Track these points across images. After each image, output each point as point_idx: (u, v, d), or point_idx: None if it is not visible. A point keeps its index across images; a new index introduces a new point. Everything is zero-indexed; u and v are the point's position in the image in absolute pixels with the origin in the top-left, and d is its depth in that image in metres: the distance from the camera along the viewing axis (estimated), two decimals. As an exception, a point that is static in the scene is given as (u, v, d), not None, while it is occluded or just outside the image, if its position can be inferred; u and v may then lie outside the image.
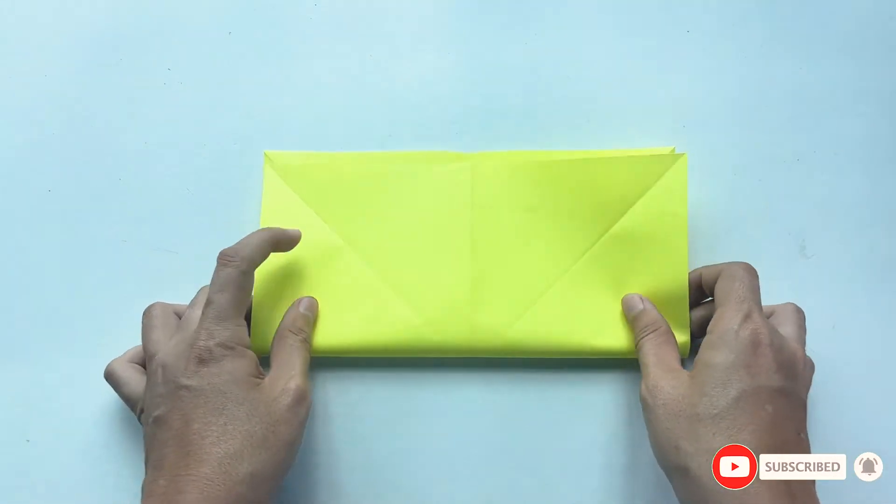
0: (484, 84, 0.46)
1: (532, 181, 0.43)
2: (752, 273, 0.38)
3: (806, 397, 0.37)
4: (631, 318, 0.41)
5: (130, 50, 0.47)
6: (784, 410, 0.34)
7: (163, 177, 0.45)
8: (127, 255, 0.44)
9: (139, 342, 0.42)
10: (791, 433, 0.34)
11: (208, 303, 0.37)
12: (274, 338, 0.40)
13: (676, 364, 0.38)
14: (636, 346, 0.40)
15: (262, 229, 0.41)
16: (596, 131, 0.45)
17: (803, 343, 0.39)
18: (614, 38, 0.46)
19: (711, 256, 0.43)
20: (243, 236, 0.44)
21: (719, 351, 0.36)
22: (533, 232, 0.43)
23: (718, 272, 0.40)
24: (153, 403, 0.36)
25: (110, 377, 0.40)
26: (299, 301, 0.42)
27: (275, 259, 0.42)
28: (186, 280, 0.43)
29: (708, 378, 0.35)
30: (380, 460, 0.41)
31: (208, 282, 0.41)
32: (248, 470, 0.34)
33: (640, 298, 0.41)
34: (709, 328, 0.38)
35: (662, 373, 0.38)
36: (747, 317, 0.36)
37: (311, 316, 0.42)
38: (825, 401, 0.42)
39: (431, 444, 0.42)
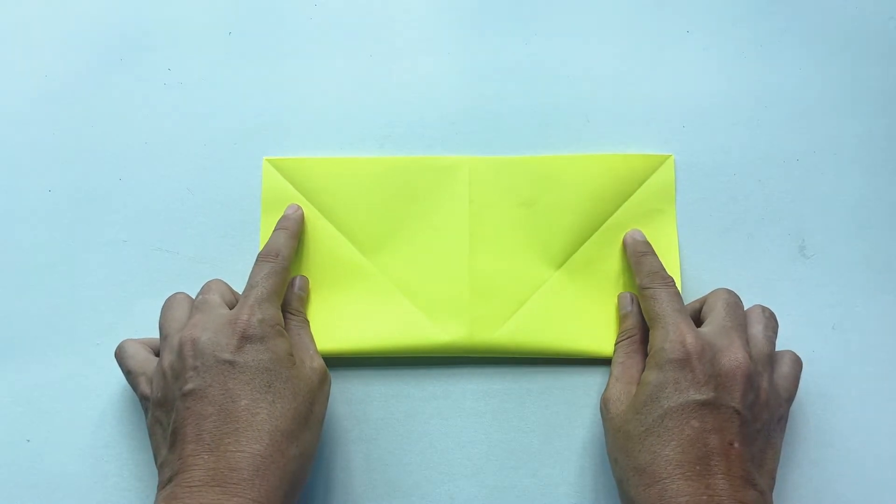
0: (484, 84, 0.46)
1: (528, 177, 0.44)
2: (661, 291, 0.39)
3: (771, 398, 0.37)
4: (619, 317, 0.42)
5: (130, 50, 0.47)
6: (711, 423, 0.34)
7: (163, 177, 0.45)
8: (127, 255, 0.44)
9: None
10: (717, 445, 0.34)
11: (252, 286, 0.38)
12: None
13: (638, 376, 0.39)
14: (614, 347, 0.42)
15: (281, 229, 0.42)
16: (595, 131, 0.45)
17: (769, 341, 0.38)
18: (614, 39, 0.46)
19: (711, 256, 0.43)
20: (243, 236, 0.44)
21: (651, 370, 0.37)
22: (529, 227, 0.43)
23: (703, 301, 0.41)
24: (181, 378, 0.35)
25: (119, 351, 0.40)
26: (292, 281, 0.42)
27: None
28: (186, 280, 0.43)
29: (642, 396, 0.36)
30: (379, 460, 0.41)
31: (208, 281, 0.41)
32: (299, 448, 0.35)
33: (631, 299, 0.42)
34: (648, 347, 0.39)
35: (621, 385, 0.39)
36: (675, 332, 0.37)
37: (304, 295, 0.42)
38: (825, 400, 0.42)
39: (431, 443, 0.42)
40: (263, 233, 0.44)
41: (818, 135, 0.45)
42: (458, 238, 0.43)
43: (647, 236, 0.43)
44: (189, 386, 0.35)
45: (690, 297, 0.43)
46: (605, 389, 0.39)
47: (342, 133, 0.45)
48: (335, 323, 0.42)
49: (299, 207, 0.43)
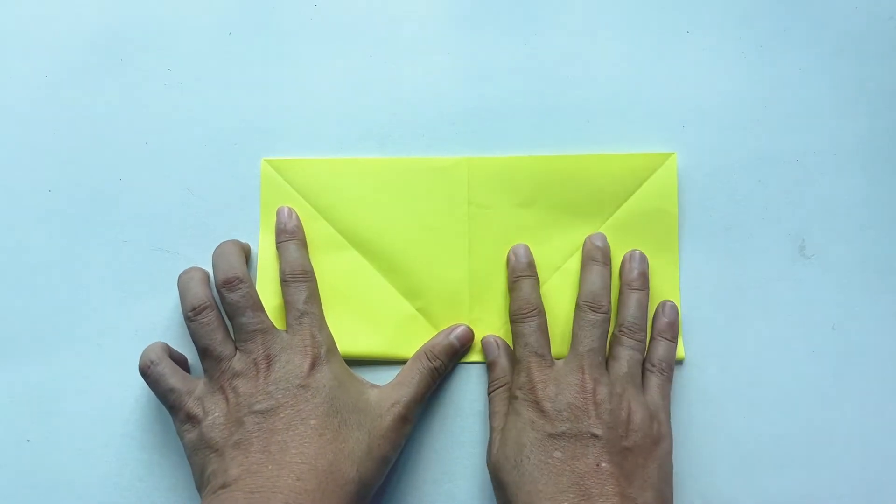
0: (484, 85, 0.46)
1: (527, 177, 0.44)
2: (524, 325, 0.40)
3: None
4: (487, 363, 0.42)
5: (130, 50, 0.47)
6: (572, 451, 0.36)
7: (163, 177, 0.45)
8: (127, 255, 0.44)
9: (139, 342, 0.42)
10: (585, 469, 0.35)
11: (304, 313, 0.40)
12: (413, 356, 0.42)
13: (503, 421, 0.39)
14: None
15: (289, 240, 0.42)
16: (596, 132, 0.45)
17: (629, 361, 0.39)
18: (614, 39, 0.46)
19: (711, 256, 0.43)
20: (243, 236, 0.44)
21: (511, 415, 0.38)
22: (528, 227, 0.43)
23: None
24: (253, 398, 0.36)
25: (150, 367, 0.39)
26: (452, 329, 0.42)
27: (275, 257, 0.43)
28: (186, 280, 0.43)
29: (509, 441, 0.37)
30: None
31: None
32: (359, 474, 0.36)
33: (498, 344, 0.42)
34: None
35: (493, 438, 0.39)
36: (526, 377, 0.39)
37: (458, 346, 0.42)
38: (824, 400, 0.42)
39: (431, 443, 0.42)
40: (263, 233, 0.44)
41: (818, 135, 0.45)
42: (458, 239, 0.43)
43: (648, 236, 0.43)
44: (261, 406, 0.36)
45: (690, 298, 0.43)
46: (488, 447, 0.39)
47: (342, 134, 0.45)
48: (334, 325, 0.42)
49: (292, 210, 0.43)
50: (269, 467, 0.34)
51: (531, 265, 0.42)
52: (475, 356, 0.42)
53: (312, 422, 0.36)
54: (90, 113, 0.46)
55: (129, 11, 0.47)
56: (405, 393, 0.39)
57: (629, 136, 0.45)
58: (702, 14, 0.46)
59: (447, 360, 0.41)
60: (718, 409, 0.42)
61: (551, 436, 0.36)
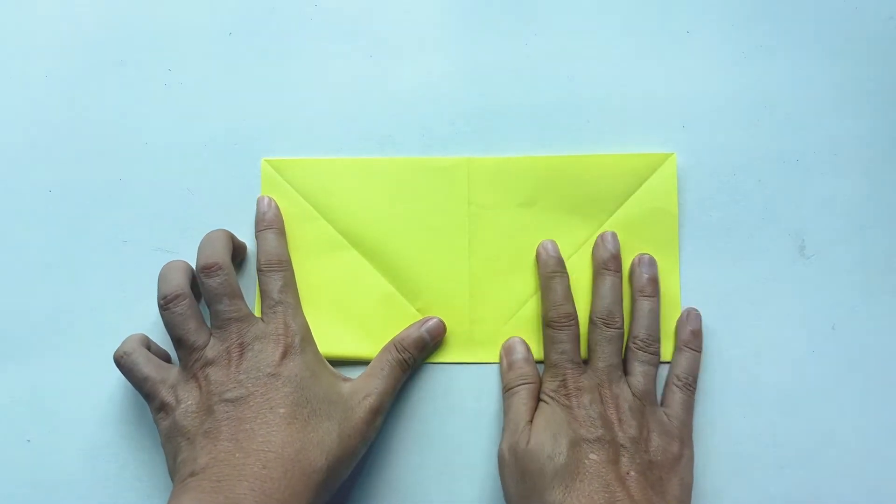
0: (484, 85, 0.46)
1: (527, 177, 0.44)
2: (561, 333, 0.40)
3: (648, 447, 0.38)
4: (508, 362, 0.42)
5: (130, 50, 0.47)
6: (606, 456, 0.37)
7: (163, 177, 0.45)
8: (127, 255, 0.44)
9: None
10: (616, 475, 0.36)
11: (279, 302, 0.40)
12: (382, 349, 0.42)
13: (530, 416, 0.39)
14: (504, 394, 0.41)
15: (266, 229, 0.42)
16: (596, 132, 0.45)
17: (646, 376, 0.40)
18: (614, 39, 0.46)
19: (711, 256, 0.43)
20: (243, 237, 0.44)
21: (542, 411, 0.39)
22: (529, 227, 0.43)
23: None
24: (224, 385, 0.37)
25: (124, 357, 0.39)
26: (425, 321, 0.42)
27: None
28: (186, 280, 0.43)
29: (544, 432, 0.38)
30: (379, 460, 0.41)
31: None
32: (326, 463, 0.36)
33: (527, 348, 0.42)
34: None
35: (522, 427, 0.39)
36: (560, 382, 0.39)
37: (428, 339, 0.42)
38: (825, 400, 0.42)
39: (431, 443, 0.42)
40: (263, 233, 0.44)
41: (818, 135, 0.45)
42: (458, 239, 0.43)
43: (648, 236, 0.43)
44: (232, 394, 0.36)
45: (690, 298, 0.43)
46: (505, 438, 0.39)
47: (342, 134, 0.45)
48: (334, 325, 0.42)
49: (272, 199, 0.43)
50: (237, 455, 0.34)
51: (560, 261, 0.42)
52: (487, 356, 0.42)
53: (281, 410, 0.36)
54: (90, 113, 0.46)
55: (129, 11, 0.47)
56: (376, 385, 0.39)
57: (629, 136, 0.45)
58: (702, 14, 0.46)
59: (416, 352, 0.41)
60: (718, 409, 0.42)
61: (586, 440, 0.37)
